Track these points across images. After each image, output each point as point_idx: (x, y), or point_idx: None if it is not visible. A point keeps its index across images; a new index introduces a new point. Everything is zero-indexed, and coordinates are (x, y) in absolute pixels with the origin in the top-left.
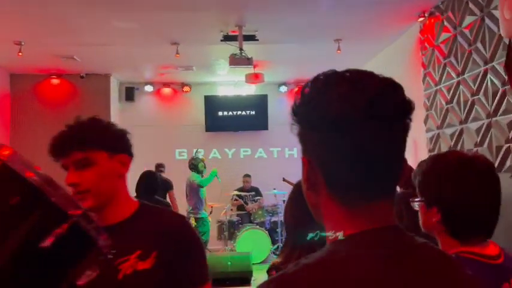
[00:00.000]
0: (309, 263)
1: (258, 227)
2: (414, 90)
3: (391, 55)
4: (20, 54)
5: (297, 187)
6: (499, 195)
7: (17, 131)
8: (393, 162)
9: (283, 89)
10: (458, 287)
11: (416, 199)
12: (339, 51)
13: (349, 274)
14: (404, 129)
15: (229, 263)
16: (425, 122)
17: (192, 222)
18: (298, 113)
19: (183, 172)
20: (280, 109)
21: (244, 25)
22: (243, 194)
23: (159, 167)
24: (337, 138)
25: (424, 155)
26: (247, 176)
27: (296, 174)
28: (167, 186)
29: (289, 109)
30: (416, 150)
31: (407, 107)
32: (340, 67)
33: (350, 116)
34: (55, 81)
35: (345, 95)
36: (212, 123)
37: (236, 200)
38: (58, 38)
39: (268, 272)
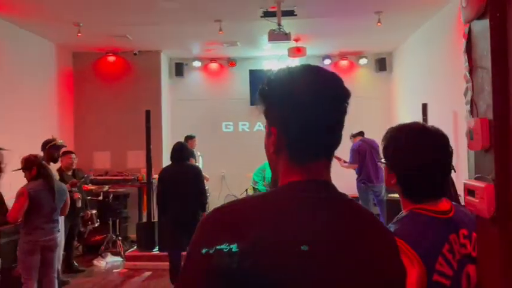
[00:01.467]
0: (246, 198)
1: None
2: (457, 61)
3: (434, 27)
4: (79, 34)
5: None
6: (448, 166)
7: (80, 103)
8: (327, 133)
9: (327, 61)
10: (369, 232)
11: (382, 161)
12: (379, 24)
13: (267, 204)
14: (339, 111)
15: None
16: (465, 94)
17: None
18: (266, 95)
19: (229, 143)
20: None
21: (282, 1)
22: None
23: (188, 138)
24: (293, 114)
25: (463, 126)
26: None
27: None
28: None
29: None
30: (457, 121)
31: (345, 95)
32: (381, 40)
33: (302, 98)
34: (111, 58)
35: (299, 83)
36: (257, 97)
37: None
38: (112, 19)
39: None
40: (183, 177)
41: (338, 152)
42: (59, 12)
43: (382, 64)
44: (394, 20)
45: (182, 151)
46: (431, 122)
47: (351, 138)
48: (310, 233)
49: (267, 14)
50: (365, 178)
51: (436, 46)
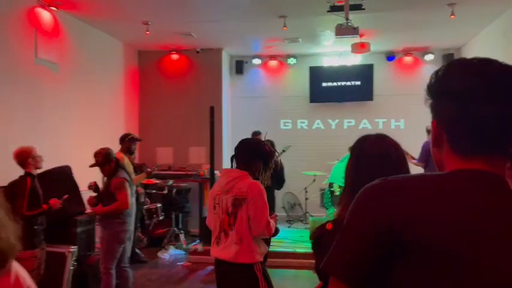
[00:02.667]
0: (411, 176)
1: None
2: None
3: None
4: (148, 33)
5: (360, 143)
6: None
7: (145, 100)
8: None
9: (390, 58)
10: None
11: None
12: (453, 17)
13: (447, 184)
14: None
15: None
16: None
17: None
18: (432, 89)
19: (287, 141)
20: (387, 79)
21: None
22: None
23: (254, 134)
24: (457, 108)
25: None
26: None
27: (403, 146)
28: None
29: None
30: None
31: None
32: (449, 34)
33: (469, 92)
34: (175, 56)
35: (466, 77)
36: (316, 94)
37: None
38: (179, 17)
39: (321, 227)
40: None
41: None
42: (130, 11)
43: (449, 60)
44: (467, 13)
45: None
46: None
47: (428, 133)
48: (475, 213)
49: (334, 9)
50: None
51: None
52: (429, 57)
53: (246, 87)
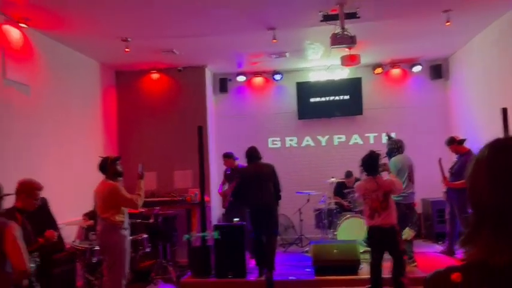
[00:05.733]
0: None
1: (359, 215)
2: None
3: (507, 24)
4: (127, 50)
5: (496, 151)
6: None
7: (124, 122)
8: None
9: (378, 70)
10: None
11: None
12: (448, 23)
13: None
14: None
15: (334, 250)
16: None
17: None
18: None
19: (275, 160)
20: (376, 92)
21: (345, 2)
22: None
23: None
24: None
25: None
26: (349, 176)
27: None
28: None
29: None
30: None
31: None
32: (442, 44)
33: None
34: (155, 75)
35: None
36: (304, 110)
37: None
38: (160, 31)
39: (440, 277)
40: (260, 173)
41: None
42: (108, 27)
43: (437, 71)
44: (459, 20)
45: (256, 152)
46: None
47: (454, 145)
48: None
49: (328, 18)
50: None
51: (509, 46)
52: (417, 68)
53: (231, 106)
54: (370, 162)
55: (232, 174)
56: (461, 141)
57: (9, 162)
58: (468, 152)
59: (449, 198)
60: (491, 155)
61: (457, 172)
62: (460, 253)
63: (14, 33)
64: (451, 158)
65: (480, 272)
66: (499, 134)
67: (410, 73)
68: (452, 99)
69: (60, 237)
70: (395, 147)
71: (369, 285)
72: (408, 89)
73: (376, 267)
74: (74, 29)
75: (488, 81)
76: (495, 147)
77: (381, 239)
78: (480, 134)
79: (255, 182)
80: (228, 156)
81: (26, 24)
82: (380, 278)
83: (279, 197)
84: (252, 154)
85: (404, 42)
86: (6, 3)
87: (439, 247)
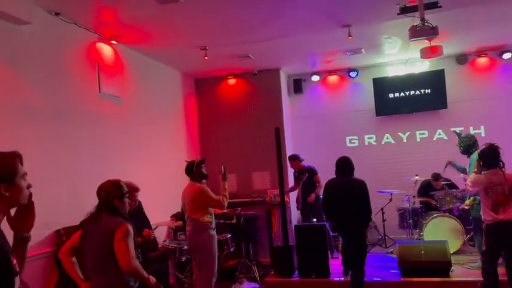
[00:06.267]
0: None
1: (447, 214)
2: None
3: None
4: (206, 58)
5: None
6: None
7: (204, 128)
8: None
9: (462, 61)
10: None
11: None
12: None
13: None
14: None
15: (422, 251)
16: None
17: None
18: None
19: (354, 159)
20: (460, 84)
21: None
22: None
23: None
24: None
25: None
26: (436, 179)
27: None
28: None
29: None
30: None
31: None
32: None
33: None
34: (232, 81)
35: None
36: (383, 107)
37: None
38: (236, 38)
39: None
40: (350, 190)
41: None
42: (188, 38)
43: None
44: None
45: (350, 164)
46: None
47: None
48: None
49: (405, 10)
50: None
51: None
52: (507, 55)
53: (306, 106)
54: (492, 155)
55: (299, 175)
56: None
57: (105, 167)
58: None
59: None
60: None
61: None
62: None
63: (106, 50)
64: None
65: None
66: None
67: (499, 61)
68: None
69: (154, 237)
70: (472, 143)
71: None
72: (497, 79)
73: (494, 269)
74: (157, 41)
75: None
76: None
77: (504, 236)
78: None
79: (342, 201)
80: (293, 159)
81: (116, 41)
82: (498, 282)
83: (368, 222)
84: (342, 165)
85: (490, 28)
86: (99, 23)
87: None
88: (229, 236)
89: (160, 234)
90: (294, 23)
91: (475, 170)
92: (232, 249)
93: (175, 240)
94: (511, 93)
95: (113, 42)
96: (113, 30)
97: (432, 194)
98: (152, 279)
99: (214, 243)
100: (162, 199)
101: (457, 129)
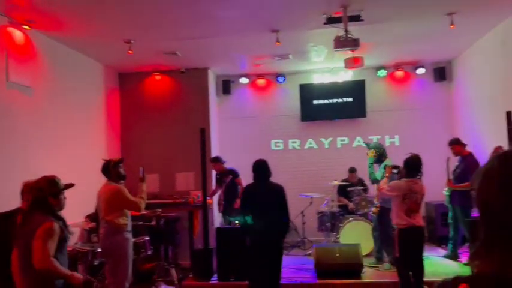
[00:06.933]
0: None
1: (362, 218)
2: None
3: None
4: (130, 52)
5: (507, 164)
6: None
7: (127, 124)
8: None
9: (382, 73)
10: None
11: None
12: (452, 26)
13: None
14: None
15: (337, 254)
16: None
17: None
18: None
19: (278, 163)
20: (379, 95)
21: (348, 5)
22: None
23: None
24: None
25: None
26: (352, 171)
27: (397, 163)
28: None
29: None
30: None
31: None
32: (445, 47)
33: None
34: (158, 77)
35: None
36: (307, 113)
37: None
38: (163, 34)
39: (454, 283)
40: (268, 196)
41: None
42: (111, 29)
43: (441, 73)
44: (464, 23)
45: (266, 167)
46: None
47: (458, 146)
48: None
49: (331, 20)
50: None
51: None
52: (421, 71)
53: (234, 108)
54: (417, 164)
55: (221, 178)
56: (464, 145)
57: (12, 163)
58: (470, 155)
59: (452, 202)
60: (502, 168)
61: (460, 175)
62: (463, 257)
63: (17, 36)
64: (453, 162)
65: (488, 285)
66: (503, 137)
67: (414, 75)
68: (456, 102)
69: None
70: (383, 151)
71: None
72: (412, 92)
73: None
74: (77, 30)
75: (493, 83)
76: (505, 159)
77: (416, 239)
78: (484, 137)
79: (259, 207)
80: (215, 161)
81: (29, 26)
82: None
83: (287, 230)
84: (261, 169)
85: (408, 44)
86: (10, 5)
87: (442, 251)
88: (147, 238)
89: (72, 236)
90: (224, 24)
91: (387, 175)
92: (150, 252)
93: (88, 242)
94: (423, 105)
95: (25, 27)
96: (25, 14)
97: (350, 192)
98: (78, 276)
99: (129, 246)
100: (76, 198)
101: (362, 142)
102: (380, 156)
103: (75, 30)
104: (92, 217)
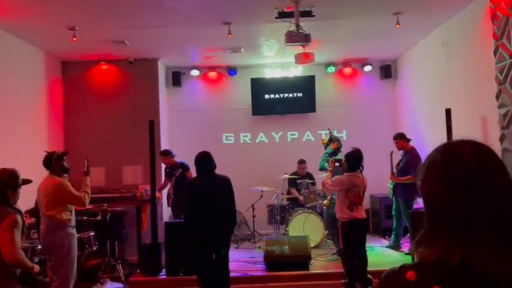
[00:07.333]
0: None
1: (310, 211)
2: (483, 63)
3: (455, 27)
4: (74, 39)
5: (448, 155)
6: None
7: (71, 116)
8: None
9: (331, 69)
10: None
11: None
12: (398, 26)
13: None
14: None
15: (286, 246)
16: (498, 97)
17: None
18: None
19: (229, 156)
20: (328, 90)
21: (301, 0)
22: (299, 181)
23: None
24: None
25: (495, 132)
26: (302, 162)
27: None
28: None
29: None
30: (486, 127)
31: None
32: (396, 43)
33: None
34: (104, 67)
35: None
36: (259, 107)
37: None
38: (110, 22)
39: (394, 276)
40: (214, 189)
41: None
42: (54, 14)
43: (387, 71)
44: (408, 23)
45: (210, 159)
46: (456, 128)
47: (402, 141)
48: None
49: (283, 15)
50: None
51: (455, 49)
52: (368, 68)
53: (184, 100)
54: (358, 158)
55: (171, 171)
56: (408, 140)
57: None
58: (412, 149)
59: (395, 194)
60: (443, 159)
61: (403, 169)
62: (405, 247)
63: None
64: (396, 156)
65: (433, 271)
66: (443, 133)
67: (362, 72)
68: (400, 99)
69: None
70: (341, 146)
71: (346, 281)
72: (359, 88)
73: (354, 267)
74: (13, 13)
75: (434, 82)
76: (447, 151)
77: (360, 231)
78: (425, 133)
79: (205, 201)
80: (165, 154)
81: None
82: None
83: (234, 223)
84: (205, 162)
85: (357, 42)
86: None
87: (386, 242)
88: (92, 234)
89: None
90: (175, 14)
91: (330, 169)
92: (95, 248)
93: (28, 239)
94: (369, 101)
95: None
96: None
97: (300, 184)
98: (36, 267)
99: (72, 242)
100: None
101: (323, 134)
102: (337, 150)
103: (10, 13)
104: (32, 212)
